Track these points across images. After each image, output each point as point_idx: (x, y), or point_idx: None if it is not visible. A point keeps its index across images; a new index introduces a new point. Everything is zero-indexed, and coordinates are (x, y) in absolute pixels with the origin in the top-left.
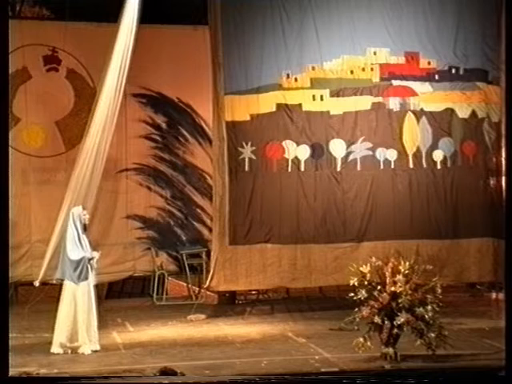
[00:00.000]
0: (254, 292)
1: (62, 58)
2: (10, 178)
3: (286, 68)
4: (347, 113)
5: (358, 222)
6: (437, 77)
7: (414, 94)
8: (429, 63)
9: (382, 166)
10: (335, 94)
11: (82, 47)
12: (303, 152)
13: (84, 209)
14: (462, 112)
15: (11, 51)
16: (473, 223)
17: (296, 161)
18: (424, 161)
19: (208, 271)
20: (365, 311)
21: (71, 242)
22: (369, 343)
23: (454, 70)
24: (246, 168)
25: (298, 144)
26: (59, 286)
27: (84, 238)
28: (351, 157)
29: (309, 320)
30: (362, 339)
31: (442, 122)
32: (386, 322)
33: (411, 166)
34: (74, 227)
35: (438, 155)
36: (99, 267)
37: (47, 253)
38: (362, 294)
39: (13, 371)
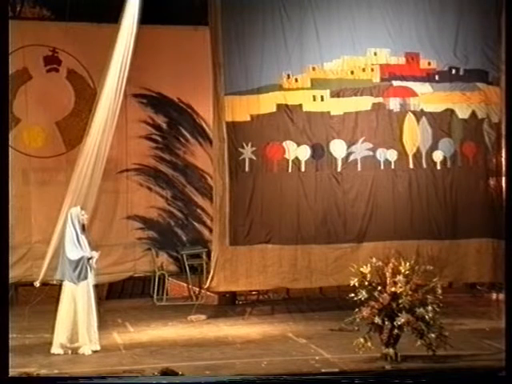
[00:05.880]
0: (254, 292)
1: (63, 58)
2: (11, 179)
3: (286, 68)
4: (347, 113)
5: (358, 223)
6: (437, 77)
7: (414, 94)
8: (429, 64)
9: (382, 167)
10: (335, 94)
11: (83, 48)
12: (304, 152)
13: (82, 209)
14: (462, 112)
15: (11, 52)
16: (473, 223)
17: (296, 161)
18: (424, 161)
19: (208, 272)
20: (365, 312)
21: (70, 242)
22: (369, 344)
23: (454, 71)
24: (247, 168)
25: (298, 144)
26: (59, 287)
27: (83, 238)
28: (352, 157)
29: (309, 320)
30: (362, 340)
31: (442, 123)
32: (387, 323)
33: (411, 166)
34: (72, 227)
35: (437, 156)
36: (99, 267)
37: (47, 253)
38: (363, 294)
39: (13, 371)
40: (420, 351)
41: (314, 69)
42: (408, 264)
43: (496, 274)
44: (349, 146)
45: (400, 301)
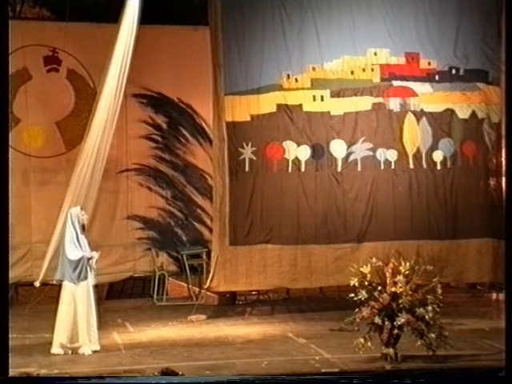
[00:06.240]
0: (254, 292)
1: (63, 58)
2: (11, 179)
3: (286, 68)
4: (348, 113)
5: (358, 223)
6: (437, 77)
7: (414, 94)
8: (429, 64)
9: (382, 167)
10: (336, 94)
11: (83, 48)
12: (304, 152)
13: (82, 209)
14: (462, 112)
15: (11, 52)
16: (473, 223)
17: (296, 161)
18: (424, 161)
19: (208, 272)
20: (365, 312)
21: (70, 242)
22: (369, 344)
23: (454, 71)
24: (247, 168)
25: (298, 144)
26: (59, 287)
27: (83, 238)
28: (352, 157)
29: (309, 320)
30: (362, 340)
31: (442, 123)
32: (387, 323)
33: (411, 166)
34: (72, 228)
35: (438, 156)
36: (100, 267)
37: (47, 253)
38: (363, 294)
39: (13, 372)
40: (420, 351)
41: (314, 69)
42: (408, 264)
43: (496, 274)
44: (349, 146)
45: (400, 301)
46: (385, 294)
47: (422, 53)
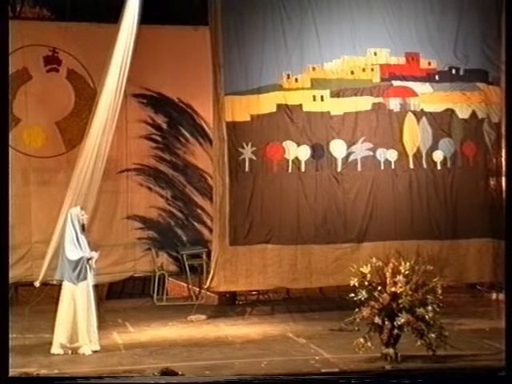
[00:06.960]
0: (254, 292)
1: (63, 58)
2: (11, 179)
3: (286, 68)
4: (347, 113)
5: (358, 223)
6: (437, 77)
7: (414, 94)
8: (429, 64)
9: (382, 167)
10: (335, 94)
11: (83, 48)
12: (304, 152)
13: (82, 209)
14: (462, 112)
15: (11, 52)
16: (473, 224)
17: (296, 161)
18: (424, 161)
19: (208, 272)
20: (365, 312)
21: (70, 242)
22: (369, 344)
23: (454, 71)
24: (247, 168)
25: (298, 144)
26: (59, 287)
27: (82, 238)
28: (352, 157)
29: (309, 320)
30: (362, 340)
31: (442, 123)
32: (387, 323)
33: (411, 166)
34: (72, 228)
35: (438, 156)
36: (100, 267)
37: (47, 253)
38: (363, 294)
39: (13, 371)
40: (420, 351)
41: (314, 69)
42: (408, 264)
43: (496, 274)
44: (349, 146)
45: (400, 301)
46: (385, 294)
47: (422, 53)
